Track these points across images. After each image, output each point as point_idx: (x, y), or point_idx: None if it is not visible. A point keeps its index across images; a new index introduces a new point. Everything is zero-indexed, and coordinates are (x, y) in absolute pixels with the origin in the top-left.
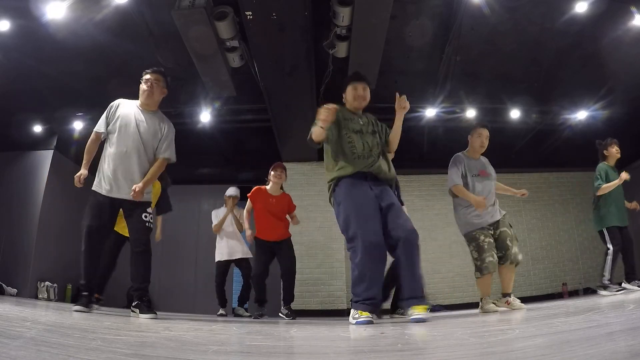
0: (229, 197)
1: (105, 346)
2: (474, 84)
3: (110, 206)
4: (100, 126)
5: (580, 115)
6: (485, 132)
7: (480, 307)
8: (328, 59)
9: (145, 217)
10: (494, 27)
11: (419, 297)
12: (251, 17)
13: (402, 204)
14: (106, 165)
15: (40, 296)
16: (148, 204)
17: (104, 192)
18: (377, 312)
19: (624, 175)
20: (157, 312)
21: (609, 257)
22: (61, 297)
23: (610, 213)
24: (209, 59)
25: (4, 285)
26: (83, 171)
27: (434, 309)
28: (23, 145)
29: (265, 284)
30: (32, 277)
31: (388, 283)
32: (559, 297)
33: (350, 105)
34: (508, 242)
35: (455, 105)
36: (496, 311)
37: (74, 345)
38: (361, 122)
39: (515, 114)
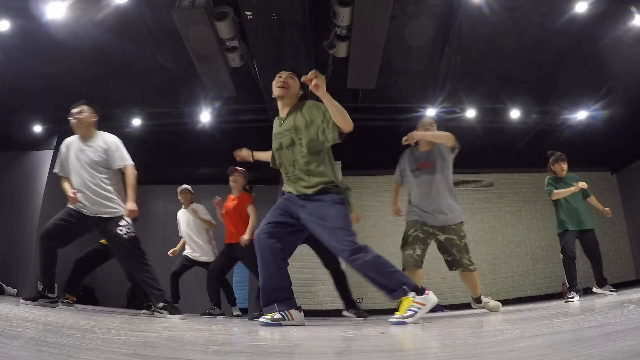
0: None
1: (105, 346)
2: (474, 84)
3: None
4: (56, 168)
5: (580, 115)
6: (427, 120)
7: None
8: (328, 59)
9: (121, 230)
10: (494, 27)
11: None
12: (251, 17)
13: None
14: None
15: None
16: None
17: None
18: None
19: (581, 184)
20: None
21: (563, 263)
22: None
23: (560, 219)
24: (209, 59)
25: (4, 285)
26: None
27: (435, 308)
28: (23, 145)
29: (217, 284)
30: (32, 277)
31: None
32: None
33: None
34: (454, 250)
35: (455, 105)
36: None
37: (74, 345)
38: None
39: (515, 114)
